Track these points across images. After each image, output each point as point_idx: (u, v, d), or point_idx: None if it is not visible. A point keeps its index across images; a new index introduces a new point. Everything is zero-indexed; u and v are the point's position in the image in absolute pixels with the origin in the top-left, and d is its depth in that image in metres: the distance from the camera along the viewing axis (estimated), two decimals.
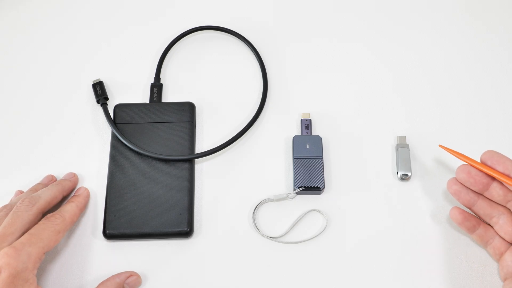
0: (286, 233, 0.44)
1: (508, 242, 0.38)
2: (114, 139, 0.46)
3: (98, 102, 0.49)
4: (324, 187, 0.45)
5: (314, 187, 0.44)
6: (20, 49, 0.53)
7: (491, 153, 0.38)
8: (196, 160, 0.47)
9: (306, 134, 0.47)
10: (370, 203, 0.45)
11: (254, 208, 0.45)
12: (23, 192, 0.44)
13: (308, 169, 0.45)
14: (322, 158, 0.46)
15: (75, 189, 0.45)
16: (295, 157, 0.46)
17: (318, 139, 0.47)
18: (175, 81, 0.51)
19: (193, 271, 0.42)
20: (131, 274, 0.41)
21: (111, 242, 0.43)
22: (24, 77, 0.52)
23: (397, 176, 0.46)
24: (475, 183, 0.39)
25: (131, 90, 0.51)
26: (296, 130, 0.49)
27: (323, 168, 0.45)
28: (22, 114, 0.50)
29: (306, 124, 0.48)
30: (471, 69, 0.52)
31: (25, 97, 0.51)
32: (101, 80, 0.51)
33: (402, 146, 0.47)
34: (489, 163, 0.38)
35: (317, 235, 0.44)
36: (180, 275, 0.42)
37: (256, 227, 0.44)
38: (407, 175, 0.45)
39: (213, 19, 0.55)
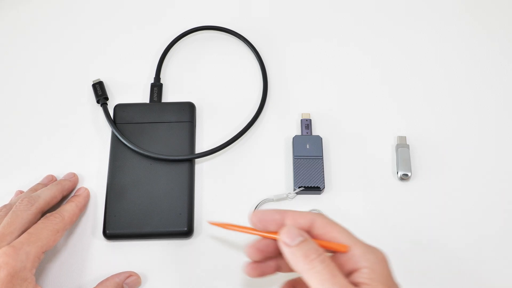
0: None
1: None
2: (114, 139, 0.46)
3: (98, 102, 0.49)
4: (324, 187, 0.44)
5: (314, 187, 0.44)
6: (20, 50, 0.53)
7: (257, 216, 0.34)
8: (196, 160, 0.47)
9: (306, 134, 0.47)
10: (370, 203, 0.45)
11: (254, 208, 0.45)
12: (23, 192, 0.44)
13: (308, 169, 0.45)
14: (322, 158, 0.46)
15: (75, 189, 0.45)
16: (295, 157, 0.46)
17: (318, 139, 0.47)
18: (175, 81, 0.51)
19: (193, 271, 0.42)
20: (130, 274, 0.41)
21: (111, 242, 0.43)
22: (24, 78, 0.52)
23: (397, 176, 0.46)
24: (271, 253, 0.34)
25: (131, 90, 0.51)
26: (296, 130, 0.49)
27: (323, 168, 0.45)
28: (22, 114, 0.50)
29: (306, 124, 0.48)
30: (471, 70, 0.52)
31: (25, 98, 0.51)
32: (101, 80, 0.51)
33: (402, 146, 0.47)
34: (261, 227, 0.34)
35: None
36: (180, 275, 0.42)
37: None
38: (407, 175, 0.45)
39: (213, 19, 0.55)
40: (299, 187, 0.44)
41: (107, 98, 0.50)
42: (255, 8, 0.56)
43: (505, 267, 0.42)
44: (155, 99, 0.49)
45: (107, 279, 0.40)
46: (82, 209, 0.44)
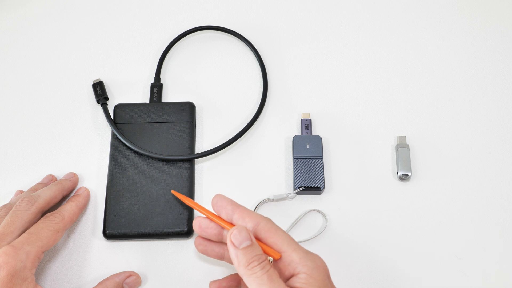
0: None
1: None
2: (114, 139, 0.46)
3: (98, 102, 0.49)
4: (324, 187, 0.44)
5: (314, 187, 0.44)
6: (20, 50, 0.53)
7: (216, 199, 0.36)
8: (196, 160, 0.47)
9: (306, 134, 0.47)
10: (370, 203, 0.45)
11: (254, 208, 0.45)
12: (23, 192, 0.44)
13: (308, 169, 0.45)
14: (322, 158, 0.46)
15: (75, 189, 0.45)
16: (295, 157, 0.46)
17: (318, 139, 0.47)
18: (175, 81, 0.51)
19: (193, 271, 0.42)
20: (130, 274, 0.41)
21: (111, 242, 0.43)
22: (24, 78, 0.52)
23: (397, 176, 0.46)
24: (210, 235, 0.36)
25: (131, 90, 0.51)
26: (296, 130, 0.49)
27: (323, 168, 0.45)
28: (23, 114, 0.50)
29: (306, 124, 0.48)
30: (471, 70, 0.52)
31: (25, 98, 0.51)
32: (101, 80, 0.51)
33: (402, 146, 0.47)
34: (215, 209, 0.36)
35: (317, 235, 0.44)
36: (180, 275, 0.42)
37: None
38: (407, 175, 0.45)
39: (213, 19, 0.55)
40: (299, 187, 0.44)
41: (107, 98, 0.50)
42: (255, 8, 0.56)
43: (505, 267, 0.42)
44: (155, 99, 0.49)
45: (107, 279, 0.40)
46: (82, 209, 0.44)
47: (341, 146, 0.48)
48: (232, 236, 0.33)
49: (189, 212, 0.43)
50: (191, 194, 0.44)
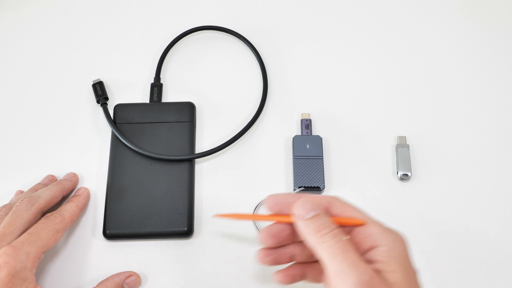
0: None
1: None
2: (114, 139, 0.46)
3: (98, 102, 0.49)
4: (324, 187, 0.44)
5: (314, 187, 0.44)
6: (20, 50, 0.53)
7: (272, 199, 0.34)
8: (196, 160, 0.47)
9: (306, 134, 0.47)
10: (370, 203, 0.45)
11: (254, 208, 0.45)
12: (23, 192, 0.44)
13: (308, 169, 0.45)
14: (322, 158, 0.46)
15: (75, 189, 0.45)
16: (295, 157, 0.46)
17: (318, 139, 0.47)
18: (175, 81, 0.51)
19: (193, 271, 0.42)
20: (130, 274, 0.41)
21: (111, 242, 0.43)
22: (24, 78, 0.52)
23: (397, 176, 0.46)
24: (284, 239, 0.33)
25: (131, 90, 0.51)
26: (296, 130, 0.49)
27: (323, 168, 0.45)
28: (23, 114, 0.50)
29: (306, 124, 0.48)
30: (471, 70, 0.52)
31: (25, 98, 0.51)
32: (101, 80, 0.51)
33: (402, 146, 0.47)
34: (277, 209, 0.33)
35: None
36: (180, 275, 0.42)
37: (256, 227, 0.44)
38: (407, 175, 0.45)
39: (213, 19, 0.55)
40: (299, 187, 0.44)
41: (107, 98, 0.50)
42: (255, 8, 0.56)
43: (505, 267, 0.42)
44: (155, 99, 0.49)
45: (107, 279, 0.40)
46: (82, 209, 0.44)
47: (341, 146, 0.48)
48: (296, 209, 0.31)
49: (189, 212, 0.43)
50: (191, 194, 0.44)
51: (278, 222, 0.33)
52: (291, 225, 0.33)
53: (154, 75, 0.51)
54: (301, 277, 0.35)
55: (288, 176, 0.46)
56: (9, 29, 0.55)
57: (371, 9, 0.56)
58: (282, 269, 0.34)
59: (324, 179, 0.45)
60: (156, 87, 0.50)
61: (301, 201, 0.31)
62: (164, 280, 0.42)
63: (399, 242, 0.31)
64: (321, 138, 0.47)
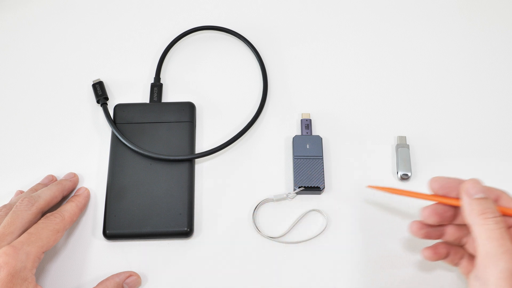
0: (286, 233, 0.44)
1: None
2: (114, 139, 0.46)
3: (98, 102, 0.49)
4: (324, 187, 0.45)
5: (314, 187, 0.44)
6: (20, 50, 0.53)
7: (438, 182, 0.36)
8: (196, 160, 0.47)
9: (306, 134, 0.47)
10: (370, 203, 0.45)
11: (254, 208, 0.45)
12: (23, 192, 0.44)
13: (308, 169, 0.45)
14: (322, 158, 0.46)
15: (75, 189, 0.45)
16: (295, 157, 0.46)
17: (318, 139, 0.47)
18: (175, 81, 0.51)
19: (193, 271, 0.42)
20: (130, 274, 0.41)
21: (111, 242, 0.43)
22: (24, 78, 0.52)
23: (397, 176, 0.46)
24: (446, 218, 0.36)
25: (131, 90, 0.51)
26: (296, 130, 0.49)
27: (323, 168, 0.45)
28: (23, 114, 0.50)
29: (306, 124, 0.48)
30: (471, 70, 0.52)
31: (25, 98, 0.51)
32: (101, 80, 0.51)
33: (402, 146, 0.47)
34: (443, 192, 0.36)
35: (317, 235, 0.44)
36: (180, 275, 0.42)
37: (256, 227, 0.44)
38: (407, 175, 0.45)
39: (213, 19, 0.55)
40: (299, 187, 0.44)
41: (107, 98, 0.50)
42: (255, 8, 0.56)
43: None
44: (155, 99, 0.49)
45: (107, 279, 0.40)
46: (82, 209, 0.44)
47: (341, 146, 0.48)
48: (467, 185, 0.33)
49: (189, 212, 0.43)
50: (191, 194, 0.44)
51: (440, 203, 0.36)
52: (453, 207, 0.36)
53: (154, 75, 0.51)
54: (445, 256, 0.37)
55: (288, 176, 0.46)
56: (9, 29, 0.55)
57: (371, 9, 0.56)
58: (431, 246, 0.37)
59: (324, 179, 0.45)
60: (156, 87, 0.50)
61: (474, 180, 0.34)
62: (164, 280, 0.42)
63: None
64: (321, 138, 0.47)
